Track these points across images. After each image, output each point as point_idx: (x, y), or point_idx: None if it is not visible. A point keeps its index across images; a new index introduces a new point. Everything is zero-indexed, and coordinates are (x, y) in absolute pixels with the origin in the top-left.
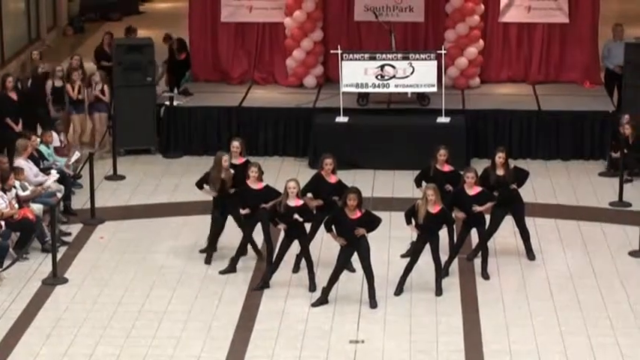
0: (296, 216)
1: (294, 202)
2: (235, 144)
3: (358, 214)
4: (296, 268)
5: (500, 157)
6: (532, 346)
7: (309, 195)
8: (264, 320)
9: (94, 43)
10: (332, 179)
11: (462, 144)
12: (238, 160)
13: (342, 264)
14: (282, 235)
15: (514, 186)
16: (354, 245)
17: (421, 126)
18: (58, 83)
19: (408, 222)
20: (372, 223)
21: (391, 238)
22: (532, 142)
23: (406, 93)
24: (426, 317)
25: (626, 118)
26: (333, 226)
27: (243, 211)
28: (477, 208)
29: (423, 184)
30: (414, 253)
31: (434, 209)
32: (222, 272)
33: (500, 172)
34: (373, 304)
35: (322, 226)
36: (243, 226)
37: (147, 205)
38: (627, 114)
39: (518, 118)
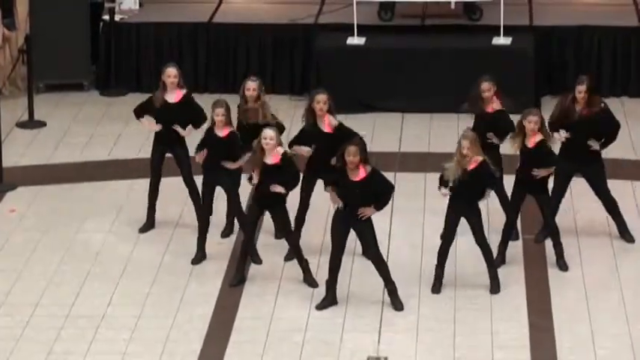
0: (276, 188)
1: (271, 158)
2: (172, 71)
3: (362, 174)
4: (290, 254)
5: (580, 91)
6: None
7: (305, 148)
8: (245, 329)
9: None
10: (327, 127)
11: (528, 75)
12: (175, 96)
13: (338, 240)
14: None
15: (595, 146)
16: (352, 220)
17: (470, 50)
18: None
19: (441, 184)
20: (380, 188)
21: (426, 210)
22: (629, 72)
23: (449, 2)
24: (477, 325)
25: None
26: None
27: (198, 157)
28: (539, 173)
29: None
30: (445, 231)
31: (470, 165)
32: (193, 262)
33: (580, 111)
34: (398, 305)
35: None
36: (192, 189)
37: (77, 163)
38: None
39: (609, 38)
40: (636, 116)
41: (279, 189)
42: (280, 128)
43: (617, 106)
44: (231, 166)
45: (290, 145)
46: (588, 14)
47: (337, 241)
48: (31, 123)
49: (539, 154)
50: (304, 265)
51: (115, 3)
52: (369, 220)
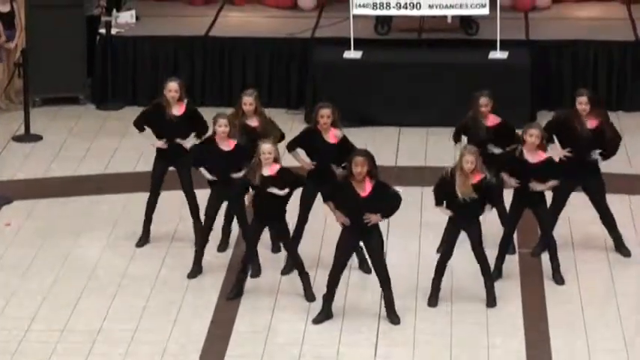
0: (273, 190)
1: (269, 170)
2: (173, 86)
3: (368, 187)
4: (287, 268)
5: (581, 102)
6: None
7: (301, 153)
8: (242, 343)
9: None
10: (331, 138)
11: (524, 89)
12: (178, 110)
13: (343, 257)
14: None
15: (595, 156)
16: (361, 234)
17: (467, 64)
18: None
19: (439, 202)
20: (387, 201)
21: (423, 224)
22: (625, 86)
23: (445, 16)
24: (473, 338)
25: None
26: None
27: (208, 175)
28: (538, 187)
29: (464, 140)
30: (445, 246)
31: (474, 179)
32: (190, 276)
33: (582, 125)
34: (394, 319)
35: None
36: (192, 203)
37: (73, 177)
38: None
39: (605, 52)
40: (632, 130)
41: (277, 191)
42: (280, 137)
43: (613, 121)
44: (238, 175)
45: (290, 147)
46: (584, 28)
47: (342, 260)
48: (27, 137)
49: (546, 171)
50: (304, 277)
51: (111, 17)
52: (378, 231)
